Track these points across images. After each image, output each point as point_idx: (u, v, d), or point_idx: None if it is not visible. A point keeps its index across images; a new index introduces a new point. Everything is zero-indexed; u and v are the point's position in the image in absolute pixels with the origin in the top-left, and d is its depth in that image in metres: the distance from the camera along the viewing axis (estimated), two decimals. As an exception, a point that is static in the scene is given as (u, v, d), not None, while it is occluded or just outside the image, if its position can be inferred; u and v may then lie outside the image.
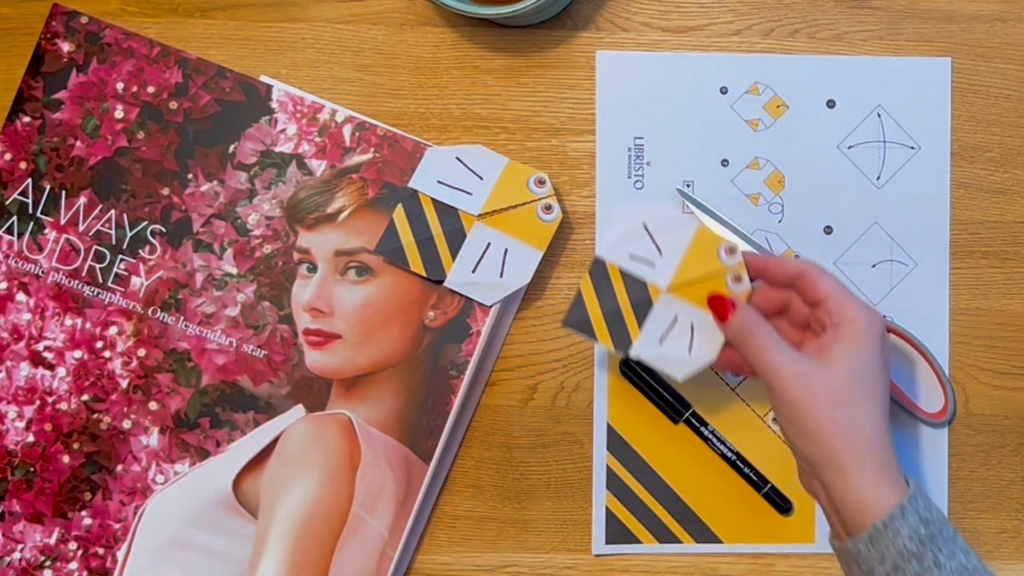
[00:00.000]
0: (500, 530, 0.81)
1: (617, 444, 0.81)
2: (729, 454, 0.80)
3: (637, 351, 0.76)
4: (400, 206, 0.80)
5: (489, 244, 0.79)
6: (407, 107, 0.83)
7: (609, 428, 0.81)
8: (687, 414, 0.80)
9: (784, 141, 0.81)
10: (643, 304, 0.76)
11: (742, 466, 0.80)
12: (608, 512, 0.80)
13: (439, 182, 0.80)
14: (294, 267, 0.81)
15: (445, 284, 0.79)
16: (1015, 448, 0.81)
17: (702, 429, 0.80)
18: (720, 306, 0.74)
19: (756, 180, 0.81)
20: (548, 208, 0.79)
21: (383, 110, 0.83)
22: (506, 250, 0.79)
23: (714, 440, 0.80)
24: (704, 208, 0.80)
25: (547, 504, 0.81)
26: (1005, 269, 0.82)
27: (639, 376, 0.81)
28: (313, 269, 0.80)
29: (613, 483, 0.81)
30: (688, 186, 0.81)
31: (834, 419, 0.69)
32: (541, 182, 0.80)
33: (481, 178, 0.79)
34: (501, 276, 0.79)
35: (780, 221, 0.81)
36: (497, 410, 0.82)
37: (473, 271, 0.79)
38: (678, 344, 0.75)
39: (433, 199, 0.80)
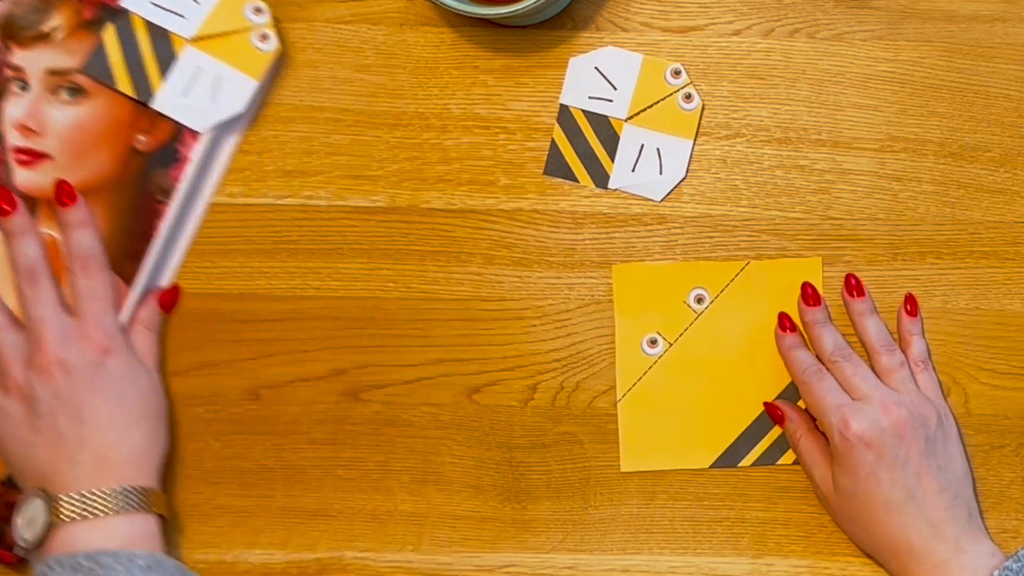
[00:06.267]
0: (500, 530, 0.81)
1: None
2: None
3: (614, 183, 0.80)
4: (111, 26, 0.79)
5: (200, 68, 0.79)
6: (407, 107, 0.83)
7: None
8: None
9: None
10: (611, 139, 0.81)
11: None
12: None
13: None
14: (5, 84, 0.80)
15: (154, 106, 0.79)
16: (1015, 448, 0.81)
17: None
18: (774, 413, 0.80)
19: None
20: (264, 37, 0.79)
21: (383, 110, 0.83)
22: (219, 76, 0.79)
23: None
24: None
25: (547, 504, 0.81)
26: (1005, 269, 0.82)
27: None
28: (25, 87, 0.80)
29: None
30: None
31: (851, 532, 0.78)
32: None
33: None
34: (214, 101, 0.79)
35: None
36: (497, 410, 0.82)
37: (185, 95, 0.79)
38: (650, 169, 0.80)
39: (144, 19, 0.79)
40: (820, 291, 0.81)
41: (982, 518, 0.78)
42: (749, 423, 0.81)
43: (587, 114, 0.82)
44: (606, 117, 0.82)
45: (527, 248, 0.82)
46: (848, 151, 0.82)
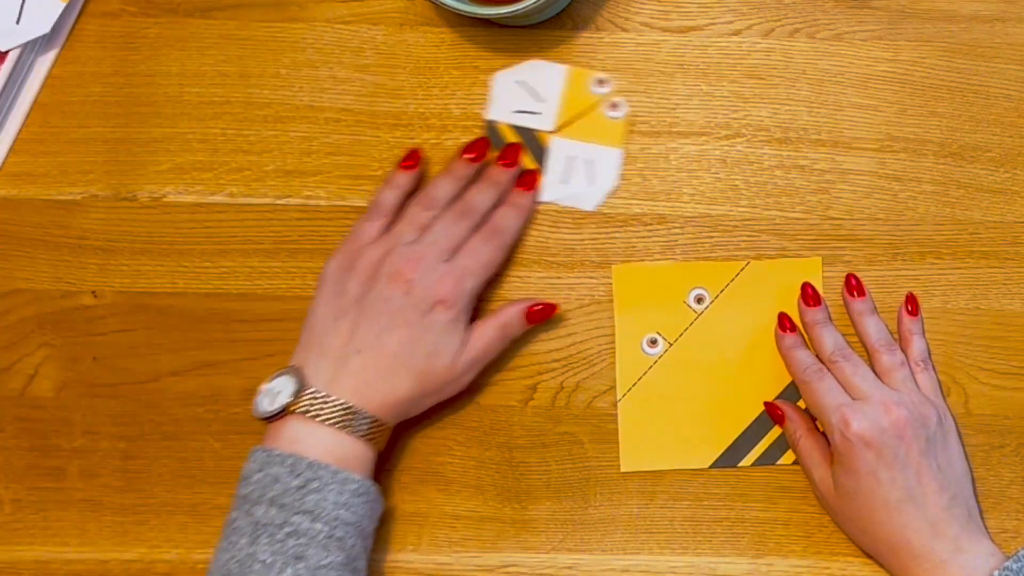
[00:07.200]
0: (500, 530, 0.81)
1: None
2: None
3: (546, 195, 0.81)
4: None
5: None
6: (407, 107, 0.83)
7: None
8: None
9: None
10: (540, 152, 0.81)
11: None
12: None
13: None
14: None
15: None
16: (1015, 448, 0.81)
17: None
18: (774, 413, 0.80)
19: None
20: None
21: (383, 110, 0.83)
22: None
23: None
24: None
25: (547, 504, 0.81)
26: (1005, 269, 0.82)
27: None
28: None
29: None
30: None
31: (850, 532, 0.78)
32: None
33: None
34: (18, 23, 0.79)
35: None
36: (497, 410, 0.82)
37: None
38: (580, 179, 0.80)
39: None
40: (820, 291, 0.81)
41: (982, 518, 0.78)
42: (749, 423, 0.81)
43: (514, 129, 0.82)
44: (533, 131, 0.82)
45: (527, 248, 0.82)
46: (848, 151, 0.82)
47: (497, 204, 0.80)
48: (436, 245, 0.77)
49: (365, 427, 0.74)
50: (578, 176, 0.82)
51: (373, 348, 0.75)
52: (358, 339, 0.75)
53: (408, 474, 0.81)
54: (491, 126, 0.82)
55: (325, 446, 0.73)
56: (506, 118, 0.82)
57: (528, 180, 0.81)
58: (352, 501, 0.73)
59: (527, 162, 0.82)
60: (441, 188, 0.79)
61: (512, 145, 0.81)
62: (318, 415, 0.73)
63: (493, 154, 0.82)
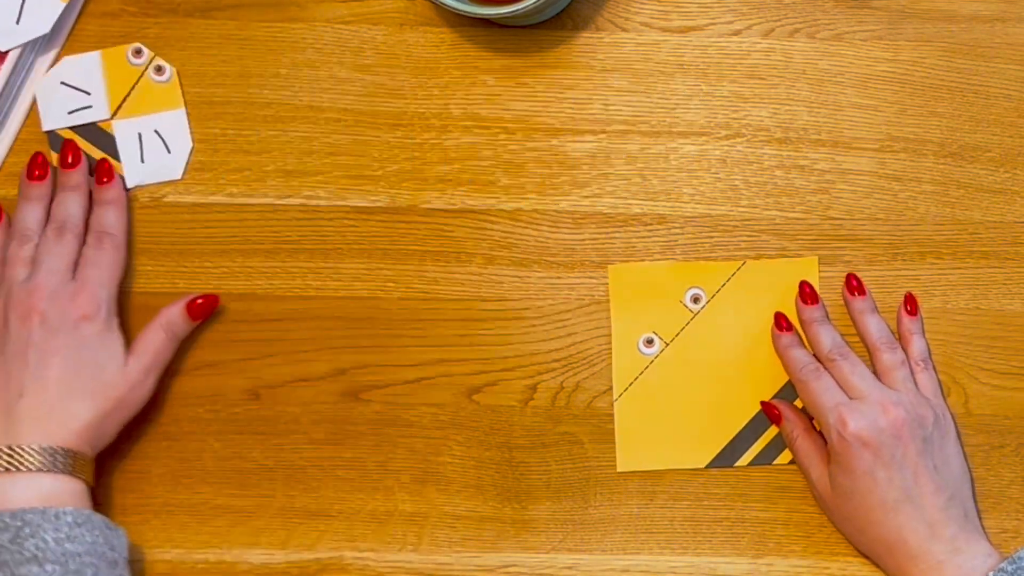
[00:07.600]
0: (500, 530, 0.81)
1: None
2: None
3: (131, 180, 0.81)
4: None
5: None
6: (407, 107, 0.83)
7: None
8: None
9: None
10: (108, 143, 0.81)
11: None
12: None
13: None
14: None
15: None
16: (1015, 448, 0.81)
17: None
18: (771, 413, 0.80)
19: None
20: None
21: (383, 110, 0.83)
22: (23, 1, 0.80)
23: None
24: None
25: (547, 504, 0.81)
26: (1005, 269, 0.82)
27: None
28: None
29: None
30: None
31: (847, 531, 0.78)
32: None
33: None
34: (18, 23, 0.80)
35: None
36: (497, 410, 0.82)
37: None
38: (157, 153, 0.80)
39: None
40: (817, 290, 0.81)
41: (979, 518, 0.78)
42: (746, 423, 0.81)
43: (75, 130, 0.82)
44: (93, 124, 0.82)
45: (527, 248, 0.82)
46: (848, 151, 0.82)
47: (90, 208, 0.80)
48: (51, 270, 0.76)
49: (63, 461, 0.73)
50: (154, 150, 0.81)
51: (35, 385, 0.74)
52: (15, 385, 0.74)
53: (408, 474, 0.82)
54: (52, 137, 0.82)
55: (31, 493, 0.72)
56: (63, 123, 0.82)
57: (104, 172, 0.81)
58: (74, 532, 0.71)
59: (98, 155, 0.82)
60: (27, 217, 0.79)
61: (66, 143, 0.80)
62: (9, 466, 0.72)
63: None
